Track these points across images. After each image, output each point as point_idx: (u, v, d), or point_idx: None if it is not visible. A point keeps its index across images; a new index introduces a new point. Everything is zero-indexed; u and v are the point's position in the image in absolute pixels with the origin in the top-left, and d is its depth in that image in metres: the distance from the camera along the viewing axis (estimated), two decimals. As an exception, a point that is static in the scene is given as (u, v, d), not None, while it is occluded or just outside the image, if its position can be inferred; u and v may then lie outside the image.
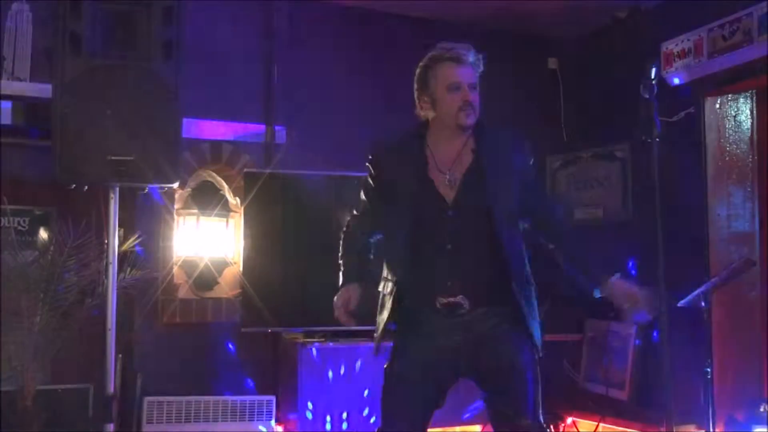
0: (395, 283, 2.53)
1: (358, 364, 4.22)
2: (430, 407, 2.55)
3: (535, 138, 2.69)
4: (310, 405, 4.14)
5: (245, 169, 4.47)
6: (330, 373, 4.20)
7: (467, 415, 4.24)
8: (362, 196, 2.69)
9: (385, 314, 2.55)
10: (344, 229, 2.75)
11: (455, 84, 2.51)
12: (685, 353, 4.17)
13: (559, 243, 2.63)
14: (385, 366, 2.57)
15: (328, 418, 4.16)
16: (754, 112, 4.38)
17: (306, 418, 4.13)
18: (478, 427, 4.37)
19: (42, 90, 3.68)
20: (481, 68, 2.58)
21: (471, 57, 2.54)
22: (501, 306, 2.49)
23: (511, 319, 2.49)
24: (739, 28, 3.98)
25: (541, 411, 2.52)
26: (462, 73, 2.52)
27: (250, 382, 4.45)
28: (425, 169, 2.54)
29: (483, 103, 2.57)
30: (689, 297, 3.65)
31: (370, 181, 2.64)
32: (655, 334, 4.59)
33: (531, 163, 2.63)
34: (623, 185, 4.89)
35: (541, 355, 2.54)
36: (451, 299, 2.46)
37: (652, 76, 2.64)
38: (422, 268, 2.51)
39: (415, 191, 2.51)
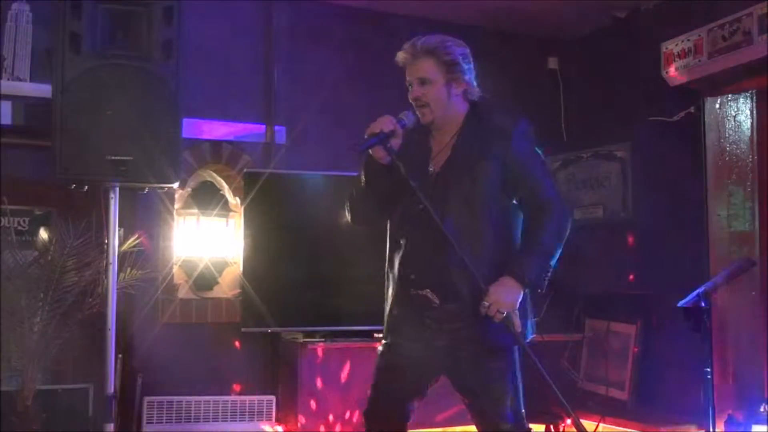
0: (386, 267, 2.63)
1: (358, 364, 4.21)
2: (403, 400, 2.61)
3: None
4: (310, 405, 4.14)
5: (245, 169, 4.47)
6: (329, 373, 4.19)
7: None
8: None
9: (388, 303, 2.62)
10: None
11: (408, 83, 2.58)
12: (685, 353, 4.18)
13: (536, 214, 2.50)
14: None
15: (328, 419, 4.16)
16: (754, 112, 4.37)
17: (306, 418, 4.13)
18: (478, 427, 4.37)
19: (42, 90, 3.68)
20: (440, 57, 2.49)
21: (411, 52, 2.51)
22: (472, 303, 2.42)
23: (484, 318, 2.40)
24: (739, 28, 3.98)
25: (523, 411, 2.51)
26: (408, 71, 2.55)
27: (250, 382, 4.45)
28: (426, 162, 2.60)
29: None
30: (689, 297, 3.65)
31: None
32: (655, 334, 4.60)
33: (520, 146, 2.50)
34: (623, 185, 4.89)
35: (516, 352, 2.51)
36: (420, 292, 2.49)
37: None
38: (398, 258, 2.56)
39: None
